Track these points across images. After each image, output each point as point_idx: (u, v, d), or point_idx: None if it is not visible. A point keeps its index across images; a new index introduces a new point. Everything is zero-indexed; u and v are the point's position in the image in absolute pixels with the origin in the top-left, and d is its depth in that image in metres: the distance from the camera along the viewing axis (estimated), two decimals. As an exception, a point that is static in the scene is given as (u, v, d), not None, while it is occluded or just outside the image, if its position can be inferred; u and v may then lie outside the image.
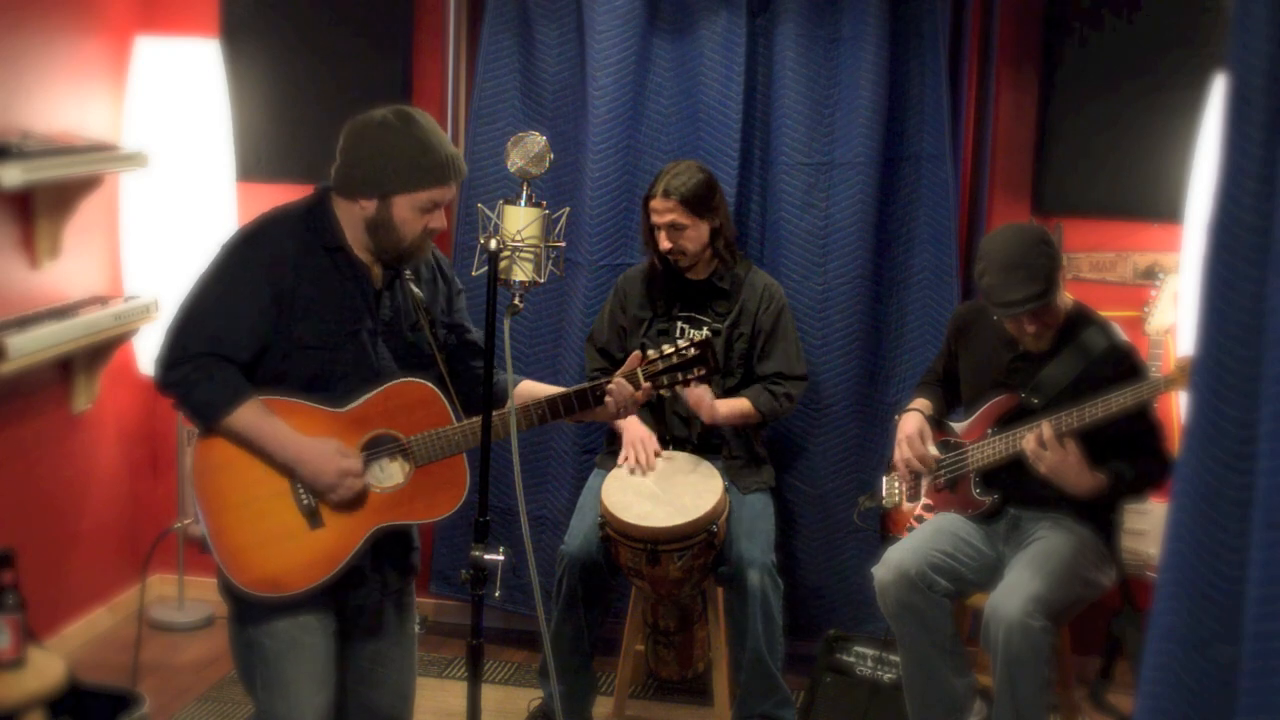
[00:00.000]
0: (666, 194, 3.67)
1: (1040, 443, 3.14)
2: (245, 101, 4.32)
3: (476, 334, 2.93)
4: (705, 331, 3.76)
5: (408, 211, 2.62)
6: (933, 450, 3.47)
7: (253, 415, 2.60)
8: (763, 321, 3.78)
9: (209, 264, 2.67)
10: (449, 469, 2.71)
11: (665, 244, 3.70)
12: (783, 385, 3.78)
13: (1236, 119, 1.03)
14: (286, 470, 2.65)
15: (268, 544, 2.64)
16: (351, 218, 2.66)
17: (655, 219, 3.70)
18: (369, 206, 2.63)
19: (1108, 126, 4.00)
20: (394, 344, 2.73)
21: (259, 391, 2.63)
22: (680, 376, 2.86)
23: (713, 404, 3.66)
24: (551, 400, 2.77)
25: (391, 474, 2.71)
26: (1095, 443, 3.16)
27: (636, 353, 2.88)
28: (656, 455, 3.71)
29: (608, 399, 2.76)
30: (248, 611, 2.70)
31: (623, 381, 2.79)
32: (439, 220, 2.66)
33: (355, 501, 2.66)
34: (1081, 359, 3.29)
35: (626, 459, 3.69)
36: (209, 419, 2.62)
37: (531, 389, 2.85)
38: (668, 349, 2.87)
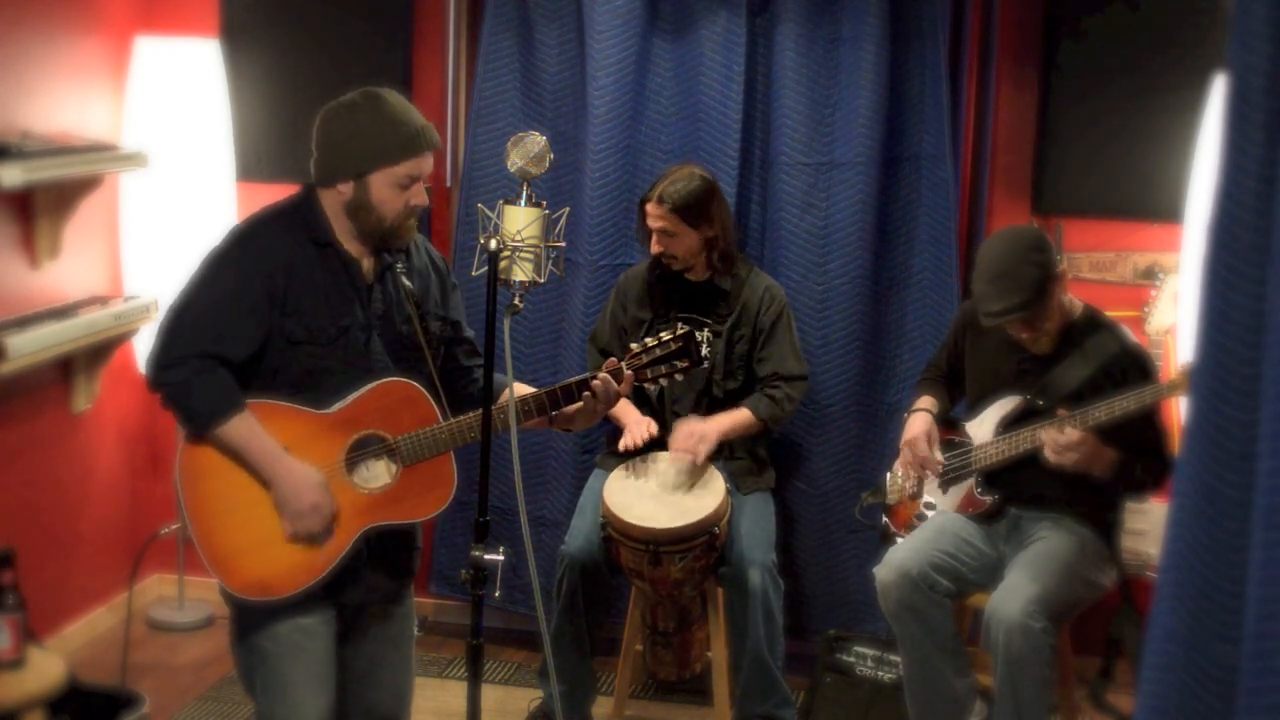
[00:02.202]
0: (660, 200, 3.66)
1: (1063, 447, 3.13)
2: (245, 101, 4.32)
3: (471, 332, 2.93)
4: (706, 333, 3.76)
5: (386, 189, 2.62)
6: (938, 456, 3.47)
7: (243, 428, 2.60)
8: (763, 323, 3.78)
9: (200, 264, 2.67)
10: (436, 468, 2.70)
11: (656, 248, 3.71)
12: (781, 388, 3.77)
13: (1236, 119, 1.03)
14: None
15: (256, 548, 2.64)
16: (334, 207, 2.67)
17: (649, 222, 3.71)
18: (346, 190, 2.63)
19: (1108, 126, 4.00)
20: (388, 337, 2.73)
21: (250, 391, 2.63)
22: (664, 369, 2.86)
23: (701, 437, 3.62)
24: (537, 396, 2.76)
25: (378, 474, 2.70)
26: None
27: (613, 359, 2.88)
28: (653, 435, 3.70)
29: (585, 394, 2.74)
30: (248, 615, 2.70)
31: (607, 378, 2.78)
32: (420, 196, 2.66)
33: (343, 505, 2.66)
34: (1092, 363, 3.28)
35: (626, 446, 3.68)
36: (200, 427, 2.61)
37: (521, 392, 2.84)
38: (650, 341, 2.86)
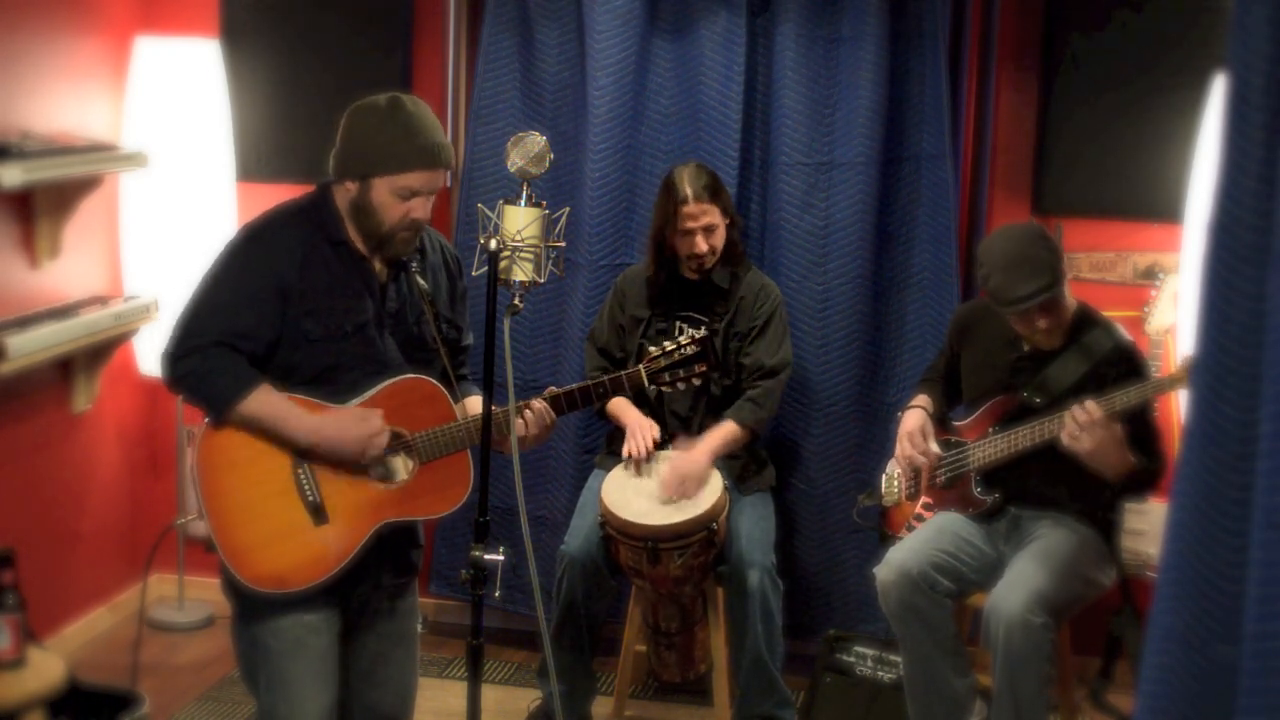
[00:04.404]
0: (699, 197, 3.66)
1: (1081, 424, 3.07)
2: (245, 101, 4.32)
3: (470, 341, 2.94)
4: (703, 330, 3.76)
5: (386, 195, 2.61)
6: (934, 447, 3.47)
7: (265, 400, 2.60)
8: (756, 320, 3.78)
9: (214, 260, 2.68)
10: (453, 466, 2.71)
11: (703, 246, 3.68)
12: (759, 386, 3.74)
13: (1236, 119, 1.03)
14: (299, 457, 2.65)
15: (272, 541, 2.64)
16: (344, 204, 2.68)
17: (689, 224, 3.66)
18: (352, 189, 2.64)
19: (1108, 126, 4.00)
20: (400, 336, 2.73)
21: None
22: (681, 373, 2.87)
23: (688, 478, 3.59)
24: (556, 398, 2.79)
25: (395, 470, 2.71)
26: None
27: (637, 372, 2.88)
28: (655, 442, 3.68)
29: (518, 421, 2.67)
30: (252, 610, 2.70)
31: (540, 406, 2.77)
32: (420, 210, 2.64)
33: (359, 499, 2.67)
34: (1086, 359, 3.28)
35: (628, 452, 3.68)
36: (221, 409, 2.61)
37: (478, 406, 2.84)
38: (668, 345, 2.88)
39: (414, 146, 2.60)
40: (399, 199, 2.61)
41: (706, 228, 3.68)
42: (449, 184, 4.35)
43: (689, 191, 3.66)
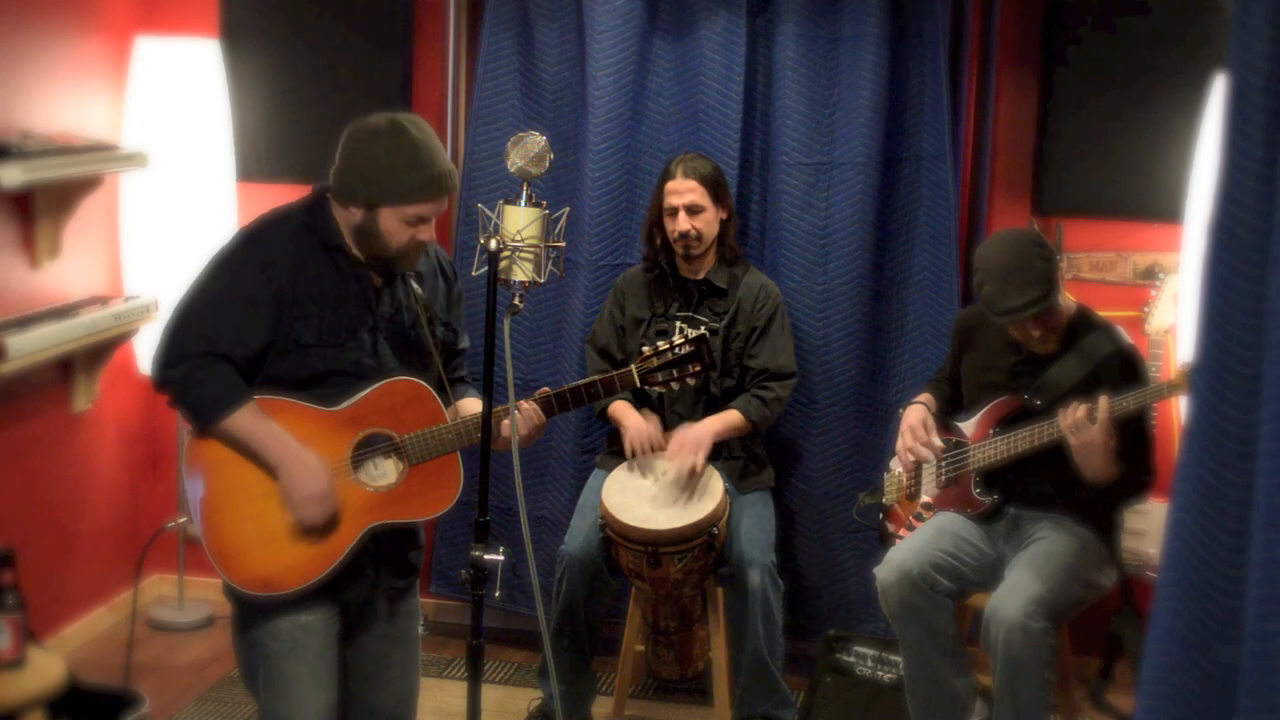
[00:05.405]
0: (686, 174, 3.70)
1: (1089, 416, 3.06)
2: (245, 101, 4.32)
3: (465, 343, 2.94)
4: (702, 330, 3.76)
5: (394, 223, 2.61)
6: (937, 441, 3.47)
7: (249, 419, 2.60)
8: (757, 320, 3.78)
9: (209, 263, 2.67)
10: (443, 468, 2.71)
11: (684, 224, 3.70)
12: (771, 389, 3.77)
13: (1236, 119, 1.03)
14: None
15: (261, 543, 2.64)
16: (345, 218, 2.68)
17: (673, 200, 3.71)
18: (357, 214, 2.63)
19: (1108, 126, 4.00)
20: (395, 341, 2.73)
21: (259, 390, 2.63)
22: (675, 373, 2.87)
23: (696, 446, 3.61)
24: (561, 395, 2.80)
25: (385, 472, 2.71)
26: None
27: (629, 371, 2.88)
28: (655, 443, 3.69)
29: (505, 421, 2.67)
30: (250, 612, 2.70)
31: (529, 407, 2.78)
32: (427, 233, 2.65)
33: (348, 501, 2.66)
34: (1087, 362, 3.28)
35: (631, 453, 3.68)
36: (205, 420, 2.62)
37: (471, 407, 2.85)
38: (662, 345, 2.88)
39: (423, 178, 2.59)
40: (407, 225, 2.62)
41: (690, 207, 3.70)
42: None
43: (677, 169, 3.72)
